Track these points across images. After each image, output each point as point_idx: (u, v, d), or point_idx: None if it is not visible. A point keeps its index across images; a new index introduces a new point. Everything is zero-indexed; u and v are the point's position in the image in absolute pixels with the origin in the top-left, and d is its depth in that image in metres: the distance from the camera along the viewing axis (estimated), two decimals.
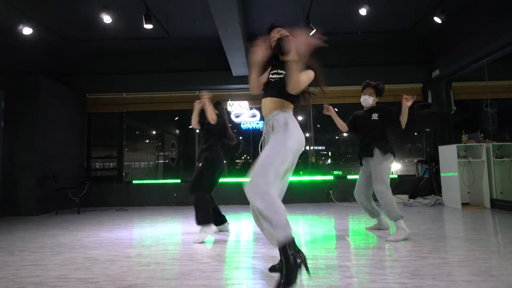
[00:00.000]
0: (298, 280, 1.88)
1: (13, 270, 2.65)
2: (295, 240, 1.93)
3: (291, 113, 2.26)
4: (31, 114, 6.01)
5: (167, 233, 4.09)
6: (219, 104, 4.06)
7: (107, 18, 5.30)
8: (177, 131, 8.77)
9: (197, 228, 3.61)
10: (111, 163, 7.72)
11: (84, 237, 3.95)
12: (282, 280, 1.84)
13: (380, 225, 3.93)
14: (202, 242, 3.44)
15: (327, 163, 8.15)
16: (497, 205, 5.55)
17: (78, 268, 2.65)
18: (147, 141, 8.97)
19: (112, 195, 7.17)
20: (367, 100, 3.78)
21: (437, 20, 5.23)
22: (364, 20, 5.78)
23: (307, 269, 1.96)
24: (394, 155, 3.62)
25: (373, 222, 4.08)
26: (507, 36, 4.91)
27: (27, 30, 5.17)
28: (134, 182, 7.29)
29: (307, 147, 7.55)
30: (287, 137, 2.08)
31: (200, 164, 3.77)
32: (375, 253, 2.94)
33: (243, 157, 8.15)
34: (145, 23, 5.03)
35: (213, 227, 3.67)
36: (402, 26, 6.52)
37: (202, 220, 3.53)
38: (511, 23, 4.78)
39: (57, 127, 6.50)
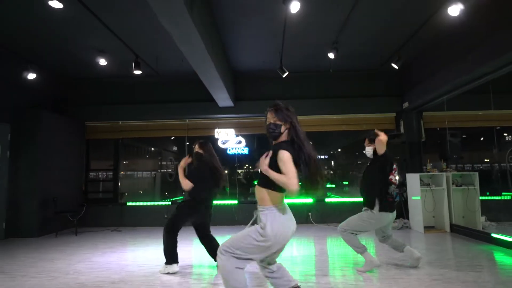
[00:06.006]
0: None
1: None
2: None
3: (274, 210, 2.34)
4: (34, 144, 6.63)
5: (150, 259, 4.65)
6: (206, 144, 4.15)
7: (102, 61, 5.96)
8: (175, 148, 9.44)
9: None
10: (107, 176, 8.35)
11: (78, 262, 4.52)
12: None
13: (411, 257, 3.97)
14: (168, 273, 3.92)
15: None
16: (455, 229, 6.10)
17: None
18: (147, 156, 9.68)
19: (107, 217, 7.75)
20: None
21: (395, 66, 5.85)
22: (336, 60, 6.39)
23: None
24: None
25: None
26: (458, 80, 5.53)
27: (31, 75, 5.84)
28: (128, 204, 7.88)
29: None
30: (262, 236, 2.29)
31: (180, 209, 3.99)
32: (323, 279, 3.50)
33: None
34: (135, 70, 5.67)
35: (175, 267, 3.93)
36: (371, 65, 7.21)
37: (167, 260, 3.93)
38: (459, 70, 5.40)
39: (58, 154, 7.11)
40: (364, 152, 4.19)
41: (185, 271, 4.01)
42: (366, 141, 4.10)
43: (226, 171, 8.38)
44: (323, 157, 8.84)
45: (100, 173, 8.51)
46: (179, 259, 4.01)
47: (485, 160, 7.52)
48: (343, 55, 6.47)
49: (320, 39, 5.95)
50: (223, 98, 7.00)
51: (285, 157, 2.25)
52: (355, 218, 3.90)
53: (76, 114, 7.94)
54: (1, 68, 6.21)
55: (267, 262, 2.52)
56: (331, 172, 8.95)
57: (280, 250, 2.41)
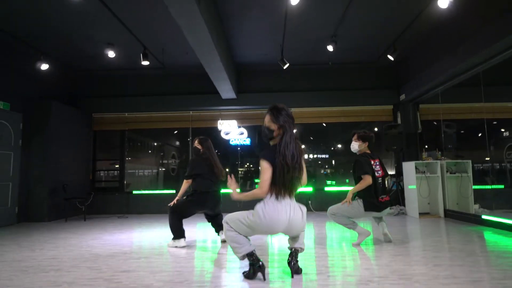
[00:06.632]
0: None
1: (37, 262, 3.50)
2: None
3: (263, 202, 2.62)
4: (44, 133, 6.92)
5: (157, 236, 4.93)
6: (205, 141, 4.45)
7: (111, 53, 6.24)
8: (177, 143, 9.72)
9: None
10: (114, 172, 8.65)
11: (90, 239, 4.80)
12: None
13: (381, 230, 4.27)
14: (176, 247, 4.20)
15: (324, 172, 9.02)
16: (448, 214, 6.36)
17: (86, 260, 3.50)
18: (150, 151, 9.96)
19: (114, 204, 8.04)
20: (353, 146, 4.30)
21: (390, 57, 6.12)
22: (335, 53, 6.67)
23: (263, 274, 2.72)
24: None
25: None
26: (451, 71, 5.79)
27: (44, 66, 6.14)
28: (134, 192, 8.16)
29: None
30: (256, 219, 2.61)
31: (189, 198, 4.28)
32: (321, 254, 3.77)
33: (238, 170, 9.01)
34: (143, 60, 5.95)
35: (182, 242, 4.19)
36: (369, 58, 7.48)
37: (174, 236, 4.21)
38: (452, 61, 5.66)
39: (67, 144, 7.40)
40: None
41: (191, 244, 4.29)
42: (355, 137, 4.26)
43: (227, 169, 8.65)
44: (323, 156, 9.09)
45: (106, 163, 8.80)
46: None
47: (486, 158, 7.69)
48: (342, 48, 6.75)
49: (320, 32, 6.22)
50: (226, 90, 7.27)
51: (262, 166, 2.60)
52: (346, 204, 4.11)
53: (83, 105, 8.23)
54: (14, 60, 6.51)
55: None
56: (332, 169, 9.20)
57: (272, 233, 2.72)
